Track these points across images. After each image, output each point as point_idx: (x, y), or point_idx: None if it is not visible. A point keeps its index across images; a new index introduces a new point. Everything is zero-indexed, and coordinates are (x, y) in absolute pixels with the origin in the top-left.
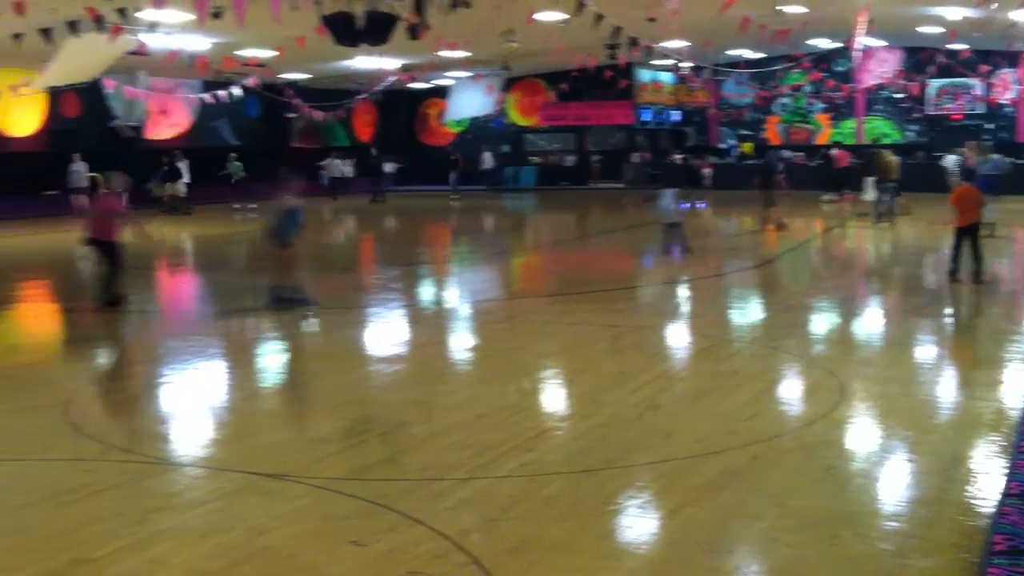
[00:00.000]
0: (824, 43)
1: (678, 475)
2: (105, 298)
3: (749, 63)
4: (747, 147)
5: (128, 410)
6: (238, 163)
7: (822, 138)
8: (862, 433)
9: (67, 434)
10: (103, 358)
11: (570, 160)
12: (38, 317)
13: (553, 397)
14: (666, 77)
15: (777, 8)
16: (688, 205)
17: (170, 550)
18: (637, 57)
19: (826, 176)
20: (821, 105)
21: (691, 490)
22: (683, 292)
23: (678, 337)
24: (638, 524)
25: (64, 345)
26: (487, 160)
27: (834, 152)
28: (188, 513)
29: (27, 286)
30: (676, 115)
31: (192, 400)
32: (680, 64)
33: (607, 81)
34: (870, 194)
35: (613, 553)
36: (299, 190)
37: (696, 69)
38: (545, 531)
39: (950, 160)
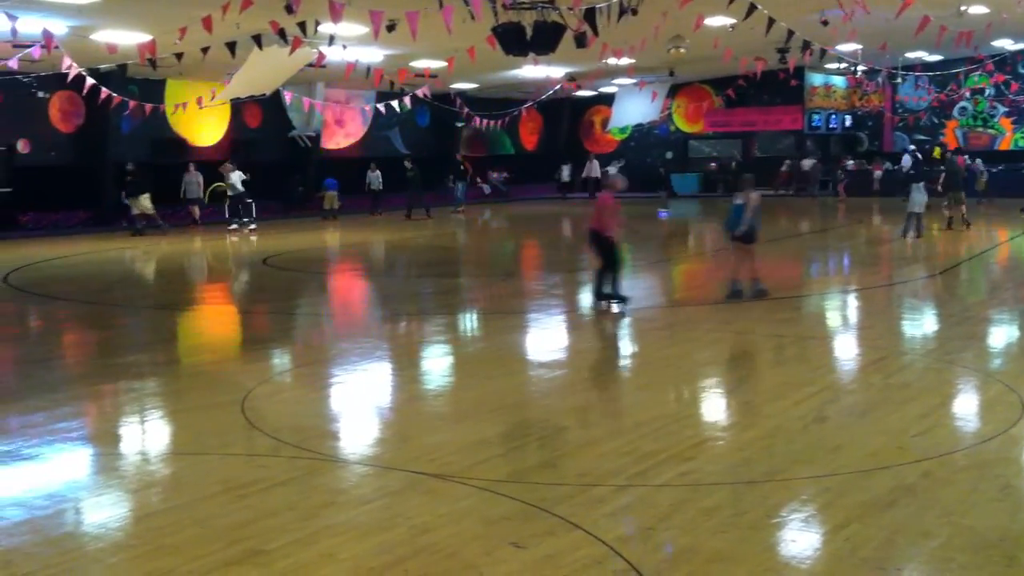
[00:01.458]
0: (1008, 44)
1: (845, 490)
2: (604, 294)
3: (927, 66)
4: (937, 152)
5: (300, 409)
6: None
7: (1005, 143)
8: None
9: (243, 430)
10: (277, 358)
11: (734, 166)
12: (218, 318)
13: (714, 406)
14: (838, 81)
15: (960, 8)
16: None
17: (338, 545)
18: (808, 61)
19: None
20: (1004, 109)
21: (858, 506)
22: (853, 301)
23: (846, 348)
24: (802, 538)
25: (242, 345)
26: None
27: None
28: (355, 510)
29: (208, 288)
30: (848, 120)
31: (360, 400)
32: (854, 67)
33: (775, 85)
34: None
35: (775, 567)
36: (752, 187)
37: (870, 72)
38: (705, 542)
39: None
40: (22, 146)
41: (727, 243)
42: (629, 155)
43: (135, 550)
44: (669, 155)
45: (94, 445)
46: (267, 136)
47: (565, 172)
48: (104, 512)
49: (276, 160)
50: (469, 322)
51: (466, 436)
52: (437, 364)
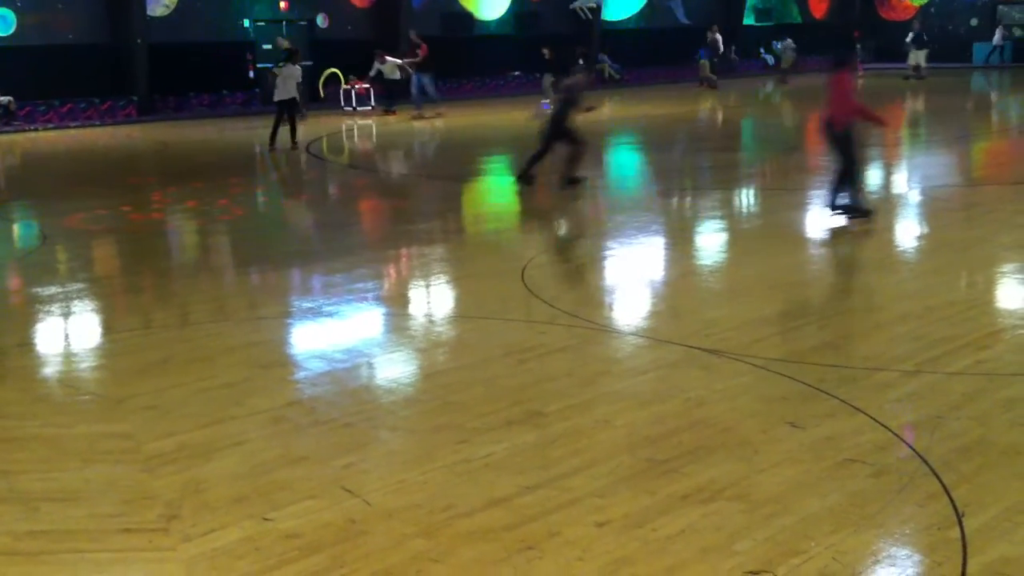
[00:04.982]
0: None
1: None
2: (838, 206)
3: None
4: None
5: (576, 279)
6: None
7: None
8: None
9: (522, 298)
10: (556, 229)
11: None
12: (500, 190)
13: (1016, 293)
14: None
15: None
16: None
17: (614, 412)
18: None
19: None
20: None
21: None
22: None
23: None
24: None
25: (522, 216)
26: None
27: None
28: (630, 380)
29: (490, 160)
30: None
31: (635, 273)
32: None
33: None
34: None
35: None
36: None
37: None
38: (1000, 435)
39: None
40: (322, 20)
41: None
42: (929, 23)
43: (424, 405)
44: (974, 22)
45: (387, 305)
46: (549, 8)
47: None
48: (396, 368)
49: (557, 33)
50: (747, 197)
51: (742, 313)
52: (713, 240)
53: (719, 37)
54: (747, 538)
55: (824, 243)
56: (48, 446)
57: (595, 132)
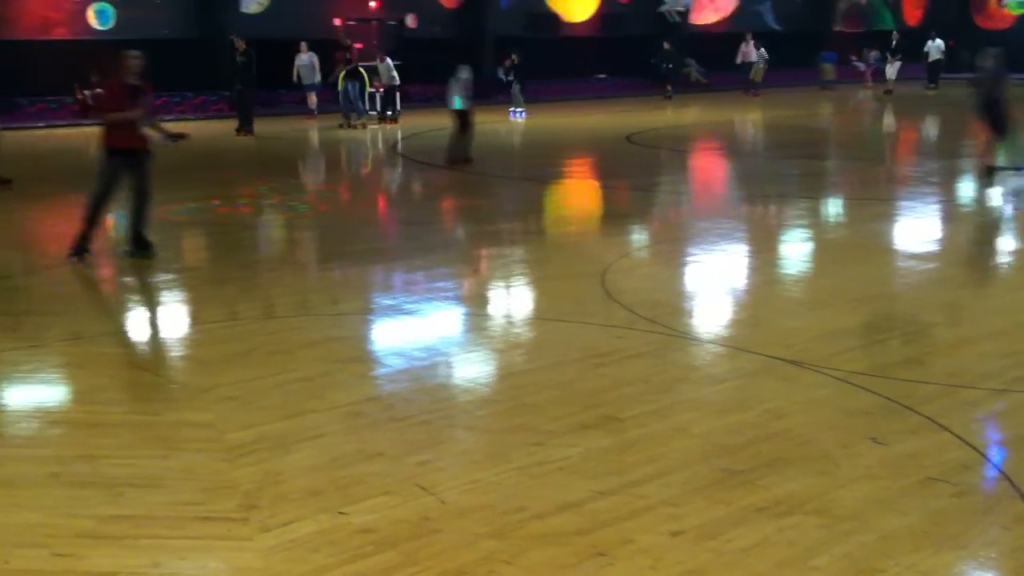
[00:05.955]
0: None
1: None
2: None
3: None
4: None
5: (656, 284)
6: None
7: None
8: None
9: (601, 301)
10: (637, 234)
11: None
12: (581, 192)
13: None
14: None
15: None
16: None
17: (690, 420)
18: None
19: None
20: None
21: None
22: None
23: None
24: None
25: (603, 219)
26: None
27: None
28: (708, 388)
29: (572, 163)
30: None
31: (715, 281)
32: None
33: None
34: None
35: None
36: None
37: None
38: None
39: None
40: (411, 20)
41: None
42: None
43: (499, 405)
44: None
45: (465, 305)
46: (636, 11)
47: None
48: (473, 368)
49: (643, 35)
50: (833, 207)
51: (824, 324)
52: (797, 249)
53: (753, 48)
54: (824, 554)
55: (911, 256)
56: (133, 432)
57: (679, 137)
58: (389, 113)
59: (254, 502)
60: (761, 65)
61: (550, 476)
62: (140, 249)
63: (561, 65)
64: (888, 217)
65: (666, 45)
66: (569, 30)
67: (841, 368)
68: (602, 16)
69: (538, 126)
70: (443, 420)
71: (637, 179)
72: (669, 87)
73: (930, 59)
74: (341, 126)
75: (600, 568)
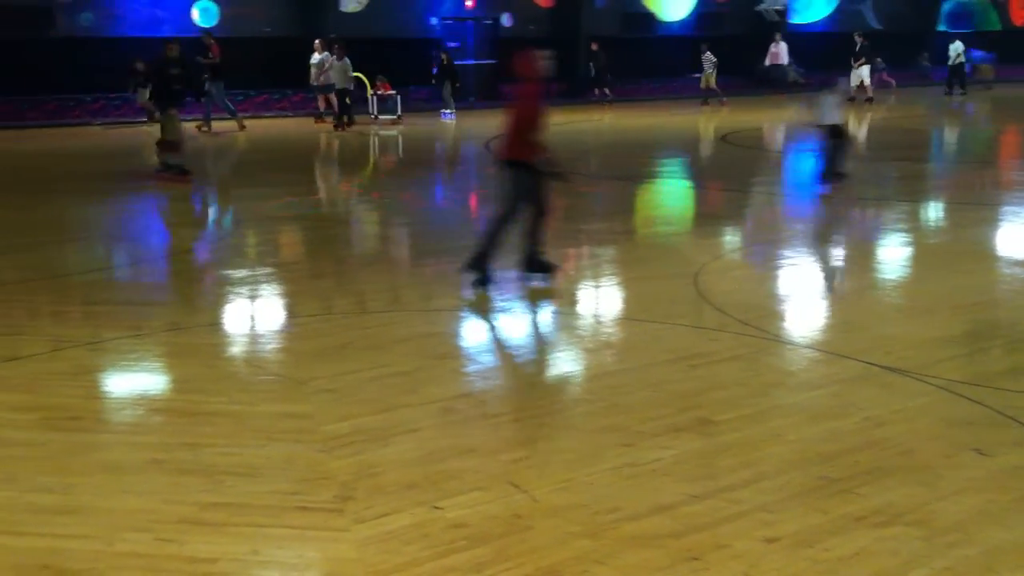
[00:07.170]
0: None
1: None
2: None
3: None
4: None
5: (749, 287)
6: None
7: None
8: None
9: (693, 303)
10: (731, 235)
11: None
12: (675, 192)
13: None
14: None
15: None
16: None
17: (786, 426)
18: None
19: None
20: None
21: None
22: None
23: None
24: None
25: (697, 220)
26: None
27: None
28: (804, 394)
29: (665, 162)
30: None
31: (811, 284)
32: None
33: None
34: None
35: None
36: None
37: None
38: None
39: None
40: (506, 19)
41: None
42: None
43: (591, 405)
44: None
45: (557, 304)
46: (734, 10)
47: None
48: (564, 367)
49: (741, 34)
50: (935, 211)
51: (924, 331)
52: (896, 253)
53: (782, 50)
54: (925, 566)
55: (1017, 263)
56: (232, 422)
57: (775, 138)
58: (345, 118)
59: (350, 493)
60: (710, 71)
61: (643, 478)
62: (539, 270)
63: (656, 65)
64: (991, 222)
65: (594, 46)
66: (665, 29)
67: (942, 376)
68: (699, 16)
69: (629, 125)
70: (535, 419)
71: (732, 179)
72: (597, 91)
73: (950, 63)
74: (337, 127)
75: (694, 572)
